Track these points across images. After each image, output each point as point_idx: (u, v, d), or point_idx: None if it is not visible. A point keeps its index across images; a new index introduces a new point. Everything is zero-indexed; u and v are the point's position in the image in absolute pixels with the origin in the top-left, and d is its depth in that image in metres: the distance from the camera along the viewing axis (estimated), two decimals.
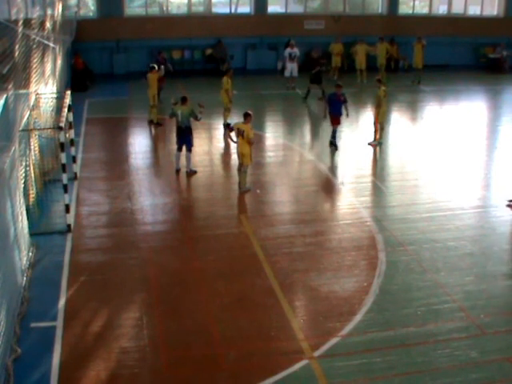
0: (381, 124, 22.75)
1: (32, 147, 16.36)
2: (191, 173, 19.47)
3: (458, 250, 14.84)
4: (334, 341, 11.29)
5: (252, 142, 17.89)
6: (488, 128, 27.13)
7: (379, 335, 11.53)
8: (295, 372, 10.45)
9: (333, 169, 20.74)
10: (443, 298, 12.76)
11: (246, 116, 17.91)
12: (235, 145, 18.24)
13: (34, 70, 16.79)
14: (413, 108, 30.31)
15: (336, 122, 22.18)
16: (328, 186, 19.19)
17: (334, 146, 22.20)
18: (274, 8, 37.84)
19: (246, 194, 18.14)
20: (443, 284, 13.26)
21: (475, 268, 14.07)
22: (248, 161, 18.03)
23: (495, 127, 27.29)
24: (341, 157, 22.05)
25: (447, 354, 10.98)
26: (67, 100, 17.53)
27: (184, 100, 19.66)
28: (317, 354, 10.92)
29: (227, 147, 23.06)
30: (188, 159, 19.52)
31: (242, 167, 18.09)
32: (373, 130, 22.75)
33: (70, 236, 15.16)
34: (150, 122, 25.19)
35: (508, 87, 35.50)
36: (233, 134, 18.17)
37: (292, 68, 31.98)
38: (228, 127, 23.64)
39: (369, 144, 22.40)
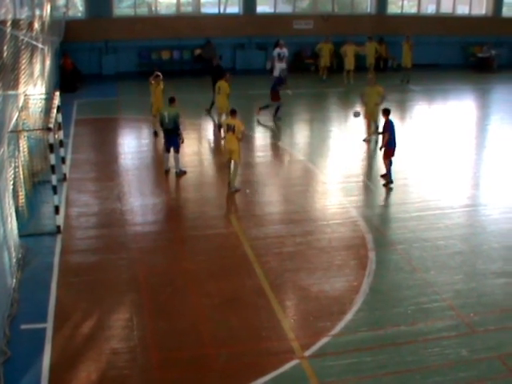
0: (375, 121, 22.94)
1: (21, 148, 16.30)
2: (181, 173, 19.43)
3: (447, 248, 14.89)
4: (324, 340, 11.30)
5: (242, 137, 18.11)
6: (477, 127, 27.22)
7: (369, 334, 11.56)
8: (286, 372, 10.46)
9: (322, 168, 20.73)
10: (433, 296, 12.80)
11: (233, 112, 18.25)
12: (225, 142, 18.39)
13: (23, 71, 16.71)
14: (402, 107, 30.33)
15: (392, 153, 18.82)
16: (317, 186, 19.18)
17: (391, 182, 18.90)
18: (262, 8, 37.79)
19: (236, 194, 18.13)
20: (433, 283, 13.30)
21: (465, 266, 14.12)
22: (237, 157, 18.14)
23: (484, 126, 27.38)
24: (331, 156, 22.10)
25: (437, 352, 11.01)
26: (56, 101, 17.49)
27: (171, 101, 19.57)
28: (307, 353, 10.93)
29: (217, 147, 23.07)
30: (176, 160, 19.46)
31: (229, 163, 18.16)
32: (372, 126, 22.89)
33: (59, 237, 15.12)
34: (155, 134, 23.62)
35: (496, 86, 35.67)
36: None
37: (281, 68, 31.99)
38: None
39: (364, 140, 22.50)
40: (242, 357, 10.92)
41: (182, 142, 19.56)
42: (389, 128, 18.68)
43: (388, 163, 18.75)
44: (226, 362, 10.75)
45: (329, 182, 19.42)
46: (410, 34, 34.43)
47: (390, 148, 18.63)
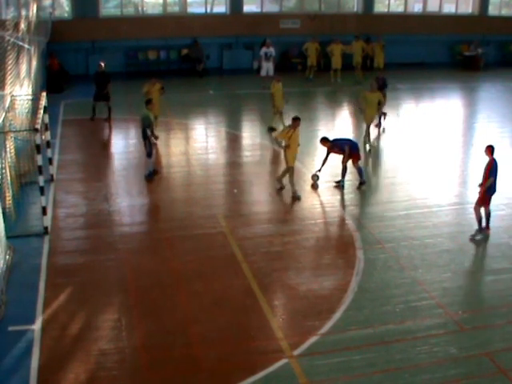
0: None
1: (8, 149, 16.24)
2: (149, 177, 19.10)
3: (435, 246, 14.93)
4: (313, 339, 11.31)
5: (278, 142, 18.88)
6: (464, 125, 27.31)
7: (358, 333, 11.57)
8: (275, 371, 10.46)
9: (310, 167, 20.72)
10: (421, 294, 12.83)
11: (293, 120, 17.84)
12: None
13: (9, 72, 16.67)
14: (388, 106, 30.34)
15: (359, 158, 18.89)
16: (305, 185, 19.15)
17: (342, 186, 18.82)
18: (249, 7, 37.76)
19: (223, 195, 18.20)
20: (421, 281, 13.33)
21: (453, 264, 14.15)
22: (287, 163, 17.88)
23: (471, 124, 27.48)
24: (318, 155, 22.11)
25: (426, 350, 11.04)
26: (43, 101, 17.41)
27: (147, 103, 19.26)
28: (296, 352, 10.94)
29: (204, 147, 23.05)
30: (146, 164, 19.20)
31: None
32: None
33: (47, 238, 15.05)
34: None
35: (483, 84, 35.77)
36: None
37: (268, 67, 32.08)
38: (271, 130, 23.67)
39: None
40: (231, 356, 10.92)
41: (156, 139, 19.14)
42: (340, 148, 18.50)
43: (344, 168, 18.55)
44: (215, 362, 10.73)
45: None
46: (379, 35, 34.54)
47: (354, 153, 18.54)
